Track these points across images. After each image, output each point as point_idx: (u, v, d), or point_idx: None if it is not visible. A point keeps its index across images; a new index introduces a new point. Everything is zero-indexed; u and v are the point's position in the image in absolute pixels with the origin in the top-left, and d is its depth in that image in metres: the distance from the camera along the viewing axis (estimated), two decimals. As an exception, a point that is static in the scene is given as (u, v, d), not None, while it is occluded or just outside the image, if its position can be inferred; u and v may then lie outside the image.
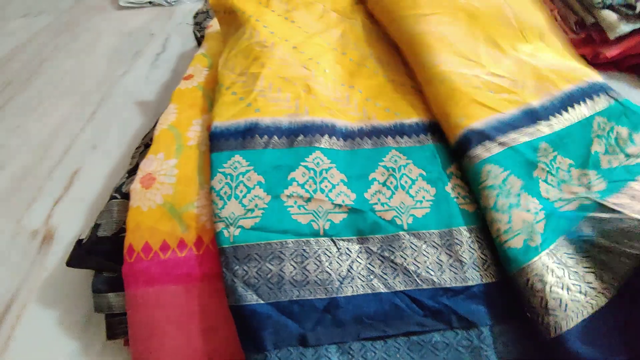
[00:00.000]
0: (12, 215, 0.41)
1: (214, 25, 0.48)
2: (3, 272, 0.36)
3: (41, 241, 0.39)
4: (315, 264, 0.25)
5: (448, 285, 0.25)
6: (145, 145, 0.37)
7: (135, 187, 0.29)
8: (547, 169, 0.28)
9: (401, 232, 0.26)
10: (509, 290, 0.24)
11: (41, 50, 0.66)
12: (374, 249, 0.26)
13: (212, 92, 0.36)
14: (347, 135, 0.31)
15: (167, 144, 0.32)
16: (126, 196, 0.31)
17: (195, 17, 0.69)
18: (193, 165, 0.30)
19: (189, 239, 0.28)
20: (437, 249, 0.26)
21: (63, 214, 0.41)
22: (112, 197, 0.32)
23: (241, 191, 0.27)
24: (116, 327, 0.29)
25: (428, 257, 0.26)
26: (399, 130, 0.32)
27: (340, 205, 0.27)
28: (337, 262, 0.25)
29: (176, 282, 0.27)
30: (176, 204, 0.29)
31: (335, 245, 0.26)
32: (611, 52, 0.56)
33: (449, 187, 0.28)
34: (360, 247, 0.26)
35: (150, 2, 0.79)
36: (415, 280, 0.25)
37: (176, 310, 0.26)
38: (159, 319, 0.26)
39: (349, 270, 0.25)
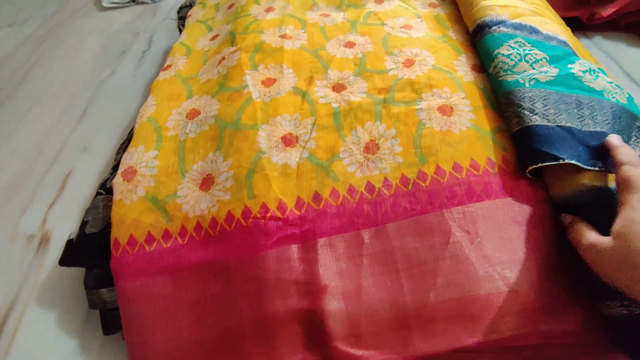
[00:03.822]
0: (8, 221, 0.41)
1: (192, 15, 0.47)
2: (2, 277, 0.37)
3: (38, 245, 0.39)
4: None
5: None
6: (129, 139, 0.36)
7: (117, 180, 0.29)
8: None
9: None
10: None
11: (29, 58, 0.66)
12: None
13: (190, 79, 0.36)
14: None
15: (146, 136, 0.31)
16: (111, 191, 0.30)
17: (179, 11, 0.69)
18: (173, 155, 0.30)
19: (173, 229, 0.27)
20: None
21: (57, 216, 0.41)
22: (98, 194, 0.32)
23: (530, 59, 0.29)
24: (111, 322, 0.29)
25: None
26: None
27: None
28: None
29: (163, 273, 0.26)
30: (158, 195, 0.28)
31: None
32: (607, 11, 0.53)
33: None
34: None
35: (133, 1, 0.78)
36: None
37: (166, 301, 0.26)
38: (150, 311, 0.26)
39: None
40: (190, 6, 0.68)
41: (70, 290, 0.35)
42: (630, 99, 0.29)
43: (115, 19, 0.75)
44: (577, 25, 0.48)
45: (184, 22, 0.65)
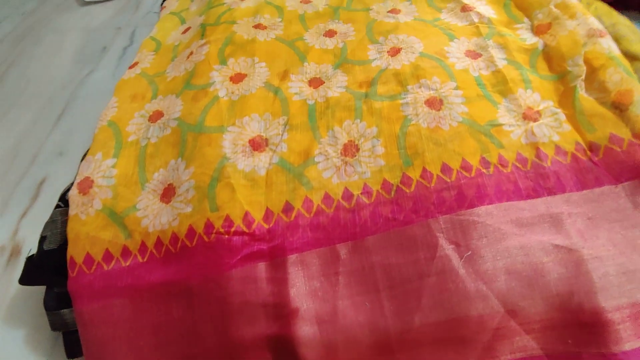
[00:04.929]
0: (-22, 233, 0.40)
1: (167, 6, 0.44)
2: (-30, 292, 0.35)
3: (8, 258, 0.37)
4: None
5: None
6: (94, 145, 0.34)
7: (73, 193, 0.27)
8: None
9: None
10: None
11: (5, 57, 0.64)
12: None
13: (156, 77, 0.33)
14: None
15: (105, 142, 0.29)
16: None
17: (162, 4, 0.65)
18: (133, 162, 0.27)
19: (132, 246, 0.25)
20: None
21: (30, 227, 0.39)
22: (57, 206, 0.29)
23: None
24: (75, 345, 0.27)
25: None
26: None
27: None
28: None
29: (122, 295, 0.24)
30: (116, 208, 0.26)
31: None
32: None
33: None
34: None
35: (115, -6, 0.75)
36: None
37: (126, 325, 0.24)
38: (109, 336, 0.24)
39: None
40: (172, -2, 0.64)
41: (40, 307, 0.33)
42: None
43: (96, 14, 0.72)
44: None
45: (167, 14, 0.62)
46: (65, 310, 0.27)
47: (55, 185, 0.43)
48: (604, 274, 0.20)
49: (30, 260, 0.29)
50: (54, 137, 0.49)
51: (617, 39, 0.39)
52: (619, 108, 0.25)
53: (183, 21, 0.41)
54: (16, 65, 0.61)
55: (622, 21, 0.42)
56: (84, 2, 0.74)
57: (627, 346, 0.19)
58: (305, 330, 0.21)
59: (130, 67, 0.35)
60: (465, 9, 0.35)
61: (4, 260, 0.37)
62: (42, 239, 0.28)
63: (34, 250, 0.36)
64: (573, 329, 0.20)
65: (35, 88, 0.56)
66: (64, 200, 0.29)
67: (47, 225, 0.29)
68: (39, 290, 0.33)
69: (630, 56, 0.37)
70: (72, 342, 0.27)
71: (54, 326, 0.27)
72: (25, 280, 0.29)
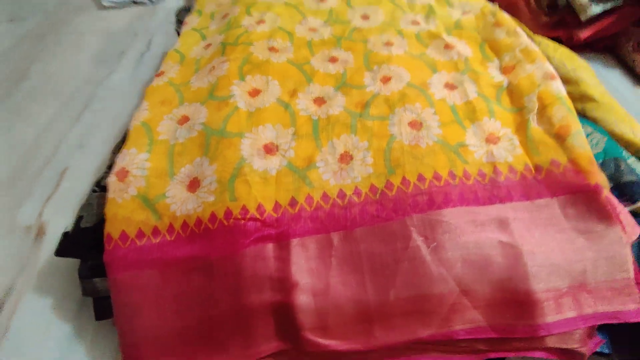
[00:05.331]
0: (6, 213, 0.44)
1: (188, 22, 0.50)
2: (1, 265, 0.39)
3: (35, 236, 0.41)
4: None
5: None
6: (123, 141, 0.39)
7: (111, 180, 0.32)
8: None
9: None
10: None
11: (28, 53, 0.68)
12: None
13: (182, 86, 0.38)
14: None
15: (139, 139, 0.34)
16: (105, 189, 0.33)
17: (177, 14, 0.70)
18: (164, 158, 0.32)
19: (161, 227, 0.30)
20: None
21: (53, 210, 0.44)
22: (93, 191, 0.34)
23: None
24: (103, 308, 0.31)
25: None
26: None
27: None
28: None
29: (151, 266, 0.29)
30: (149, 194, 0.31)
31: None
32: (584, 34, 0.56)
33: None
34: None
35: (133, 2, 0.80)
36: None
37: (153, 292, 0.29)
38: (139, 300, 0.29)
39: None
40: (188, 9, 0.70)
41: (65, 279, 0.37)
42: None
43: (114, 18, 0.76)
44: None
45: (182, 24, 0.68)
46: (96, 279, 0.31)
47: (76, 174, 0.47)
48: (536, 266, 0.26)
49: (66, 236, 0.34)
50: (75, 131, 0.53)
51: (576, 81, 0.46)
52: (560, 138, 0.32)
53: (204, 37, 0.46)
54: (39, 61, 0.66)
55: (582, 65, 0.49)
56: (102, 6, 0.79)
57: (549, 319, 0.26)
58: (303, 300, 0.27)
59: (158, 75, 0.40)
60: (447, 46, 0.42)
61: (31, 238, 0.41)
62: (79, 218, 0.33)
63: (58, 230, 0.41)
64: (510, 306, 0.26)
65: (57, 85, 0.61)
66: (99, 186, 0.34)
67: (84, 207, 0.34)
68: (64, 264, 0.38)
69: (586, 97, 0.44)
70: (101, 306, 0.32)
71: (86, 292, 0.32)
72: (61, 252, 0.33)
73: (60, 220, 0.42)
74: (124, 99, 0.57)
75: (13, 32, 0.74)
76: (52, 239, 0.41)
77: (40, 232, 0.42)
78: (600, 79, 0.51)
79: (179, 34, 0.65)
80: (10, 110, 0.57)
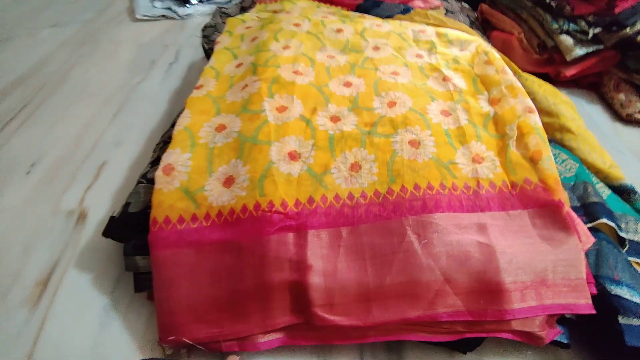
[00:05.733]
0: (51, 199, 0.50)
1: (221, 42, 0.57)
2: (46, 245, 0.45)
3: (76, 220, 0.47)
4: None
5: None
6: (163, 142, 0.45)
7: (159, 174, 0.38)
8: None
9: None
10: None
11: (69, 58, 0.75)
12: None
13: (219, 99, 0.45)
14: None
15: (182, 141, 0.40)
16: (151, 181, 0.39)
17: (203, 30, 0.77)
18: (203, 158, 0.39)
19: (199, 214, 0.36)
20: None
21: (93, 198, 0.50)
22: (139, 182, 0.40)
23: None
24: (142, 282, 0.37)
25: None
26: None
27: None
28: None
29: (189, 246, 0.35)
30: (190, 187, 0.37)
31: None
32: (570, 72, 0.64)
33: None
34: None
35: (164, 16, 0.87)
36: None
37: (190, 268, 0.34)
38: (177, 274, 0.34)
39: None
40: (214, 26, 0.77)
41: (103, 259, 0.43)
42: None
43: (146, 30, 0.84)
44: (546, 81, 0.58)
45: (208, 40, 0.75)
46: (138, 257, 0.37)
47: (113, 168, 0.53)
48: (506, 262, 0.33)
49: (113, 219, 0.40)
50: (112, 130, 0.59)
51: (557, 114, 0.53)
52: (533, 161, 0.38)
53: (235, 56, 0.53)
54: (78, 66, 0.73)
55: (564, 100, 0.56)
56: (135, 19, 0.86)
57: (515, 306, 0.31)
58: (315, 280, 0.33)
59: (197, 88, 0.47)
60: (445, 79, 0.49)
61: (73, 221, 0.47)
62: (127, 204, 0.39)
63: (97, 215, 0.46)
64: (484, 294, 0.32)
65: (94, 88, 0.68)
66: (145, 178, 0.40)
67: (131, 195, 0.40)
68: (102, 246, 0.43)
69: (565, 128, 0.51)
70: (140, 280, 0.37)
71: (128, 267, 0.37)
72: (108, 233, 0.39)
73: (99, 207, 0.48)
74: (154, 104, 0.64)
75: (55, 36, 0.81)
76: (92, 223, 0.47)
77: (81, 217, 0.48)
78: (582, 113, 0.57)
79: (204, 47, 0.72)
80: (54, 109, 0.63)
